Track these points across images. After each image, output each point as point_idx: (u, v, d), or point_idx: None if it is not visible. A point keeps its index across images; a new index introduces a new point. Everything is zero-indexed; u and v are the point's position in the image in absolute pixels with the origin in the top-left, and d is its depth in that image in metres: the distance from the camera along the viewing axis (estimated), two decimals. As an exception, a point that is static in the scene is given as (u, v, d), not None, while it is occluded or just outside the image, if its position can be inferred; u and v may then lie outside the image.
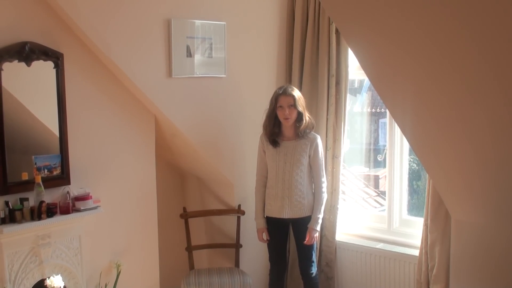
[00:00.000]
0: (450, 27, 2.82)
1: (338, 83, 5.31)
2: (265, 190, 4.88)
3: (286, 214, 4.76)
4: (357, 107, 6.21)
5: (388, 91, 3.71)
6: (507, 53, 2.75)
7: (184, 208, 5.22)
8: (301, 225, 4.78)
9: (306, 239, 4.74)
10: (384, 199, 5.65)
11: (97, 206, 4.31)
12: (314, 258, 4.89)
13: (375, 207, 6.19)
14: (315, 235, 4.76)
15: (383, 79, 3.64)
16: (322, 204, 4.78)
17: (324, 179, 4.81)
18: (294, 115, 4.66)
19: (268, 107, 4.76)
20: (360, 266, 5.41)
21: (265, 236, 4.90)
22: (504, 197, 3.82)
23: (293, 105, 4.63)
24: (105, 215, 4.42)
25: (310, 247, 4.82)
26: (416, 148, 4.10)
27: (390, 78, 3.57)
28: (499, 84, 2.98)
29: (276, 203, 4.78)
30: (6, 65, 3.81)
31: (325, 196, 4.82)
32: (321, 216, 4.78)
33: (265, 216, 4.90)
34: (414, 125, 3.88)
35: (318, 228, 4.78)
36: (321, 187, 4.78)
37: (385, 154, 5.44)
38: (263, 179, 4.89)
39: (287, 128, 4.73)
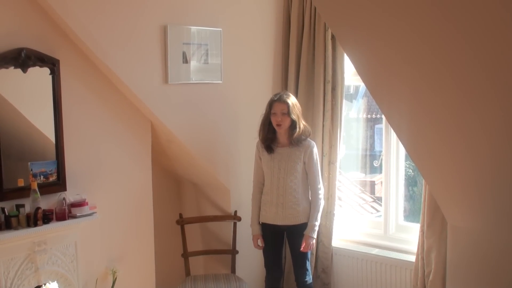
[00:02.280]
0: (445, 31, 2.82)
1: (334, 88, 5.33)
2: (261, 197, 4.88)
3: (280, 221, 4.75)
4: (353, 113, 6.22)
5: (384, 96, 3.72)
6: (503, 57, 2.76)
7: (180, 214, 5.22)
8: (296, 232, 4.77)
9: (302, 246, 4.72)
10: (380, 205, 5.65)
11: (93, 213, 4.30)
12: (308, 266, 4.88)
13: (371, 213, 6.19)
14: (311, 243, 4.75)
15: (379, 84, 3.65)
16: (318, 211, 4.76)
17: (320, 185, 4.80)
18: (287, 123, 4.65)
19: (263, 112, 4.76)
20: (357, 272, 5.40)
21: (260, 242, 4.89)
22: (500, 203, 3.82)
23: (287, 112, 4.62)
24: (101, 221, 4.41)
25: (304, 255, 4.81)
26: (412, 153, 4.10)
27: (386, 83, 3.58)
28: (494, 89, 2.99)
29: (271, 210, 4.78)
30: (2, 72, 3.80)
31: (321, 203, 4.79)
32: (317, 223, 4.76)
33: (260, 222, 4.89)
34: (410, 130, 3.88)
35: (315, 235, 4.76)
36: (318, 194, 4.77)
37: (381, 160, 5.45)
38: (260, 186, 4.89)
39: (281, 134, 4.73)
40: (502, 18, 2.54)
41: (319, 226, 4.94)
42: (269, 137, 4.75)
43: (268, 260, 4.97)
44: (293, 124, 4.67)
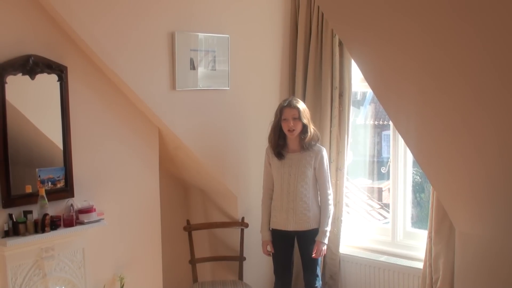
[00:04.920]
0: (456, 30, 2.77)
1: (341, 95, 5.33)
2: (271, 203, 4.87)
3: (291, 226, 4.75)
4: (360, 119, 6.21)
5: (392, 100, 3.70)
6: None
7: (188, 221, 5.22)
8: (307, 238, 4.77)
9: (314, 252, 4.72)
10: (388, 212, 5.65)
11: (101, 219, 4.30)
12: (319, 271, 4.87)
13: (379, 220, 6.18)
14: (322, 248, 4.75)
15: (387, 89, 3.62)
16: (329, 216, 4.76)
17: (330, 191, 4.80)
18: (298, 128, 4.66)
19: (273, 119, 4.77)
20: (364, 279, 5.39)
21: (269, 248, 4.88)
22: (511, 209, 3.78)
23: (298, 117, 4.63)
24: (109, 228, 4.41)
25: (315, 260, 4.80)
26: (420, 159, 4.09)
27: (394, 87, 3.55)
28: (507, 91, 2.94)
29: (281, 216, 4.77)
30: (10, 79, 3.82)
31: (331, 208, 4.80)
32: (328, 228, 4.76)
33: (270, 228, 4.89)
34: (418, 135, 3.86)
35: (326, 241, 4.76)
36: (328, 200, 4.77)
37: (389, 166, 5.44)
38: (269, 192, 4.89)
39: (292, 140, 4.73)
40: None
41: (327, 232, 4.94)
42: (280, 144, 4.76)
43: (278, 266, 4.95)
44: (304, 129, 4.68)
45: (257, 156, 5.06)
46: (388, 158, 5.49)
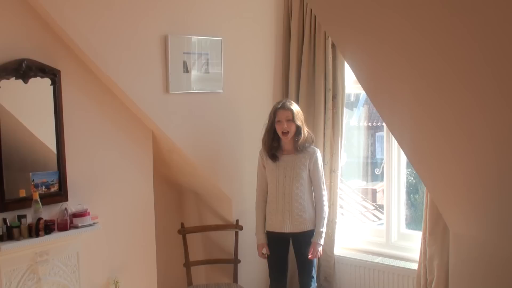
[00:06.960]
0: (449, 27, 2.75)
1: (334, 97, 5.33)
2: (265, 205, 4.87)
3: (287, 228, 4.75)
4: (353, 121, 6.22)
5: (385, 101, 3.69)
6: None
7: (182, 224, 5.21)
8: (302, 239, 4.77)
9: (310, 253, 4.72)
10: (382, 213, 5.65)
11: (95, 223, 4.29)
12: (314, 273, 4.88)
13: (373, 221, 6.18)
14: (319, 249, 4.75)
15: (379, 89, 3.61)
16: (324, 217, 4.77)
17: (324, 192, 4.81)
18: (292, 129, 4.66)
19: (266, 121, 4.77)
20: (359, 280, 5.39)
21: (265, 251, 4.88)
22: (506, 211, 3.76)
23: (292, 119, 4.63)
24: (103, 231, 4.41)
25: (310, 262, 4.81)
26: (413, 160, 4.09)
27: (387, 87, 3.54)
28: (502, 92, 2.92)
29: (277, 218, 4.77)
30: (3, 83, 3.81)
31: (326, 209, 4.80)
32: (324, 230, 4.77)
33: (265, 231, 4.89)
34: (412, 136, 3.86)
35: (322, 242, 4.77)
36: (322, 201, 4.77)
37: (383, 167, 5.44)
38: (264, 194, 4.89)
39: (286, 142, 4.73)
40: (510, 13, 2.50)
41: (322, 234, 4.94)
42: (274, 146, 4.76)
43: (273, 269, 4.95)
44: (298, 131, 4.69)
45: (251, 158, 5.06)
46: (382, 159, 5.50)
